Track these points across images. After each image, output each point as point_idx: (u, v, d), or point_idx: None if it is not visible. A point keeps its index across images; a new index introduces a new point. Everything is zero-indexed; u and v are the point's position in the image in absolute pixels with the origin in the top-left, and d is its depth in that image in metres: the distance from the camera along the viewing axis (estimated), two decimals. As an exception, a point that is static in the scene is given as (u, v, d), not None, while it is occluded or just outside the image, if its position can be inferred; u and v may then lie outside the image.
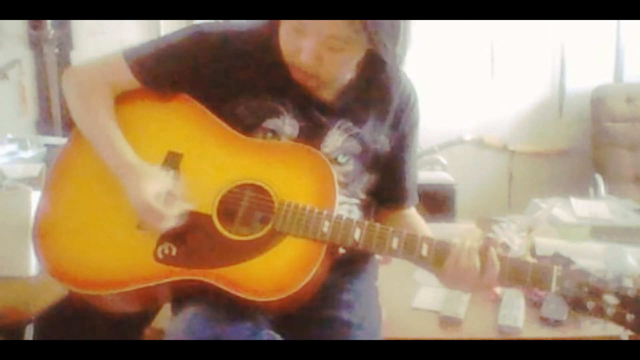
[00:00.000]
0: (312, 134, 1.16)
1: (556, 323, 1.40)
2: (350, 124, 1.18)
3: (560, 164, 3.10)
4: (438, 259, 1.05)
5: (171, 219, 1.07)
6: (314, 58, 1.05)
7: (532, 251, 1.76)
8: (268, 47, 1.14)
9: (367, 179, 1.23)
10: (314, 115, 1.17)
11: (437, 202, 2.56)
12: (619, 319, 0.96)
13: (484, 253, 1.03)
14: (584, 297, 0.98)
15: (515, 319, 1.40)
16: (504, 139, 3.09)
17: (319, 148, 1.16)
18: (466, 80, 3.03)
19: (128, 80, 1.17)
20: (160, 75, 1.17)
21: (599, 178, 2.73)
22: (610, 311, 0.96)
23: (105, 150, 1.14)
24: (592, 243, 1.83)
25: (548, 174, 3.09)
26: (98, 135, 1.15)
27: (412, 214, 1.30)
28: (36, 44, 2.98)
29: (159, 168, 1.13)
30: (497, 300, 1.49)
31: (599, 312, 0.97)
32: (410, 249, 1.05)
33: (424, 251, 1.05)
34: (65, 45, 2.99)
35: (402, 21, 1.09)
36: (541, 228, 1.93)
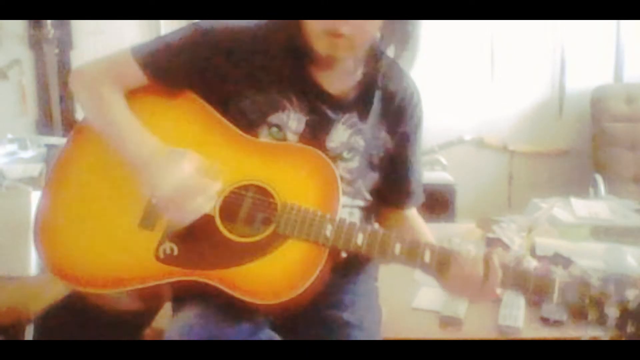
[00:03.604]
0: (317, 128, 1.16)
1: (556, 323, 1.40)
2: (355, 119, 1.18)
3: (560, 164, 3.10)
4: (440, 267, 1.04)
5: (202, 203, 1.04)
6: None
7: (532, 251, 1.76)
8: (274, 41, 1.14)
9: (372, 177, 1.23)
10: (321, 108, 1.16)
11: (437, 202, 2.56)
12: (619, 329, 0.98)
13: (487, 262, 1.03)
14: (585, 307, 0.99)
15: (515, 319, 1.40)
16: (504, 139, 3.10)
17: (324, 143, 1.16)
18: (466, 80, 3.04)
19: (136, 76, 1.16)
20: (168, 70, 1.16)
21: (599, 178, 2.73)
22: (611, 323, 0.98)
23: (129, 139, 1.11)
24: (592, 243, 1.83)
25: (548, 174, 3.09)
26: (117, 127, 1.13)
27: (414, 216, 1.30)
28: (36, 44, 2.98)
29: (188, 151, 1.09)
30: (497, 300, 1.49)
31: (600, 322, 0.99)
32: (412, 255, 1.05)
33: (427, 258, 1.05)
34: (65, 45, 3.00)
35: (411, 24, 1.10)
36: (541, 228, 1.93)
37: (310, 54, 1.12)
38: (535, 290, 1.02)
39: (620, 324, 0.97)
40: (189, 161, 1.07)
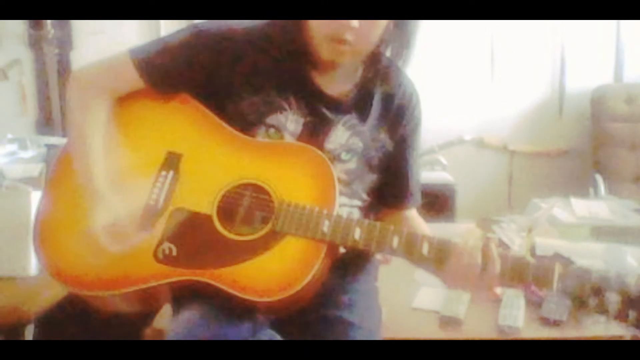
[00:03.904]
0: (316, 130, 1.16)
1: (556, 323, 1.40)
2: (355, 120, 1.18)
3: (560, 164, 3.10)
4: (439, 258, 1.04)
5: (111, 250, 1.08)
6: (355, 20, 1.03)
7: (532, 251, 1.76)
8: (273, 43, 1.15)
9: (370, 179, 1.23)
10: (320, 110, 1.17)
11: (437, 202, 2.56)
12: (620, 316, 0.96)
13: (485, 251, 1.02)
14: (586, 294, 0.98)
15: (515, 319, 1.40)
16: (504, 139, 3.09)
17: (322, 144, 1.16)
18: (466, 80, 3.04)
19: (133, 80, 1.17)
20: (165, 74, 1.16)
21: (599, 178, 2.73)
22: (612, 308, 0.96)
23: (79, 165, 1.14)
24: (592, 243, 1.83)
25: (548, 174, 3.09)
26: (79, 150, 1.16)
27: (414, 216, 1.30)
28: (36, 44, 2.98)
29: (118, 201, 1.12)
30: (497, 300, 1.49)
31: (601, 309, 0.97)
32: (410, 247, 1.05)
33: (425, 250, 1.04)
34: (65, 45, 2.99)
35: (411, 25, 1.10)
36: (541, 228, 1.93)
37: (310, 57, 1.12)
38: (535, 279, 1.01)
39: (622, 312, 0.96)
40: (105, 213, 1.10)
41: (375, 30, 1.08)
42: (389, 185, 1.26)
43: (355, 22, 1.03)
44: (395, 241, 1.05)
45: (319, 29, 1.08)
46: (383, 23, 1.08)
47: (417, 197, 1.30)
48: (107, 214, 1.09)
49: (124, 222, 1.09)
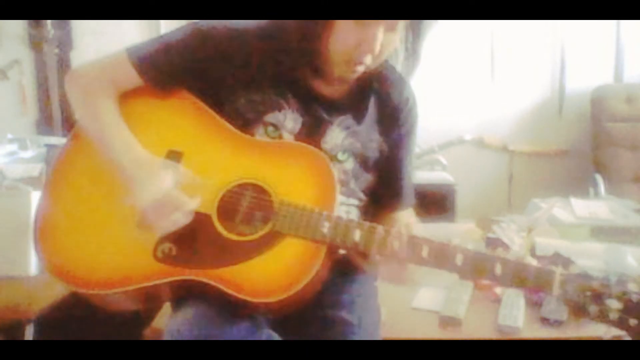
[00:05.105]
0: (313, 129, 1.16)
1: (556, 323, 1.40)
2: (351, 121, 1.18)
3: (560, 164, 3.10)
4: (438, 261, 1.04)
5: (179, 218, 1.06)
6: (378, 45, 1.05)
7: (532, 251, 1.76)
8: (271, 42, 1.15)
9: (366, 179, 1.23)
10: (316, 110, 1.17)
11: (437, 202, 2.56)
12: (621, 324, 0.96)
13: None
14: (586, 301, 0.97)
15: (515, 319, 1.40)
16: (504, 139, 3.10)
17: (319, 144, 1.16)
18: (466, 80, 3.04)
19: (131, 78, 1.17)
20: (163, 72, 1.17)
21: (599, 178, 2.73)
22: (612, 316, 0.95)
23: (114, 147, 1.12)
24: (592, 243, 1.84)
25: (548, 174, 3.10)
26: (106, 133, 1.14)
27: (408, 217, 1.30)
28: (36, 44, 2.99)
29: (172, 164, 1.12)
30: (497, 300, 1.49)
31: (602, 316, 0.96)
32: (411, 251, 1.05)
33: (424, 253, 1.04)
34: (65, 45, 3.00)
35: (410, 32, 1.11)
36: (541, 228, 1.93)
37: (316, 68, 1.13)
38: (536, 285, 1.01)
39: (622, 319, 0.95)
40: (171, 174, 1.08)
41: (389, 47, 1.10)
42: (383, 186, 1.26)
43: (377, 48, 1.04)
44: (396, 244, 1.05)
45: (339, 52, 1.08)
46: (396, 39, 1.09)
47: (411, 199, 1.30)
48: (170, 178, 1.07)
49: (169, 195, 1.07)
